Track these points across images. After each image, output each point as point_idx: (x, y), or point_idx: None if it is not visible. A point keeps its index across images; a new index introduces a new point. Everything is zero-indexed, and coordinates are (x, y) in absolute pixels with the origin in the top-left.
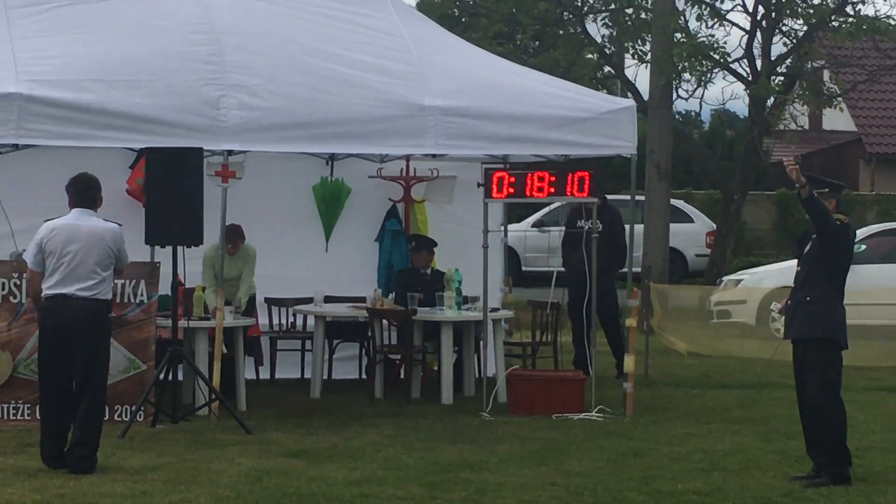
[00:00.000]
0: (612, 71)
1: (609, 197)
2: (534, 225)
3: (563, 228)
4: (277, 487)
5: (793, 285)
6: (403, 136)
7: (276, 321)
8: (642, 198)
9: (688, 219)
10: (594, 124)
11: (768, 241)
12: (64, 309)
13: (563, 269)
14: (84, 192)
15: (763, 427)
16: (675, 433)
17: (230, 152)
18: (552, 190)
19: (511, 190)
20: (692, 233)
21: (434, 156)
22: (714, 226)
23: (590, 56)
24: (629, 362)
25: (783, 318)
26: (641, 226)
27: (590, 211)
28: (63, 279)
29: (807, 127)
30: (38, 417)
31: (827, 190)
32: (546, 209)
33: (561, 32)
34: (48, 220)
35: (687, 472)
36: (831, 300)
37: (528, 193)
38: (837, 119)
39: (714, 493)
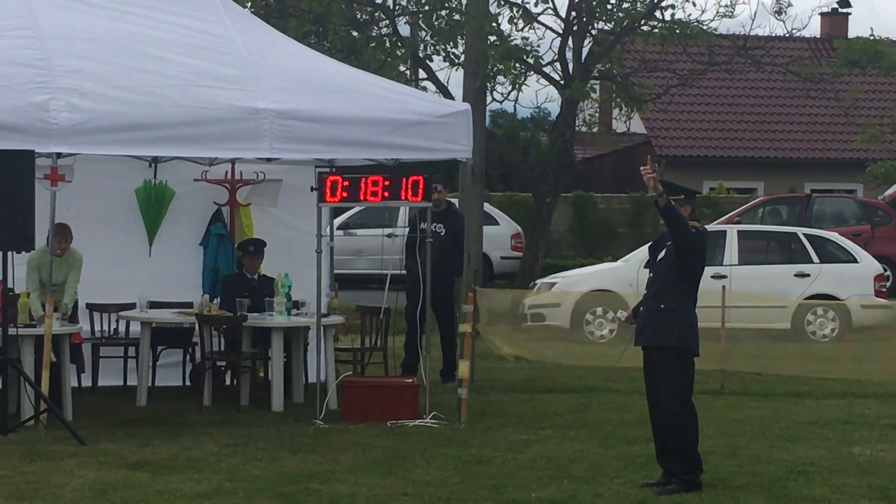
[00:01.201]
0: (425, 74)
1: None
2: (339, 227)
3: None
4: (125, 501)
5: (645, 291)
6: (237, 139)
7: (97, 327)
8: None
9: (493, 221)
10: (430, 128)
11: (565, 243)
12: None
13: (403, 272)
14: None
15: (599, 432)
16: (513, 440)
17: (59, 155)
18: (386, 194)
19: (345, 194)
20: (497, 235)
21: (268, 160)
22: (519, 228)
23: (401, 64)
24: (464, 367)
25: (631, 325)
26: None
27: (436, 215)
28: None
29: (623, 129)
30: None
31: (682, 197)
32: (350, 212)
33: (373, 34)
34: None
35: (536, 480)
36: (685, 307)
37: (361, 197)
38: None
39: (569, 501)
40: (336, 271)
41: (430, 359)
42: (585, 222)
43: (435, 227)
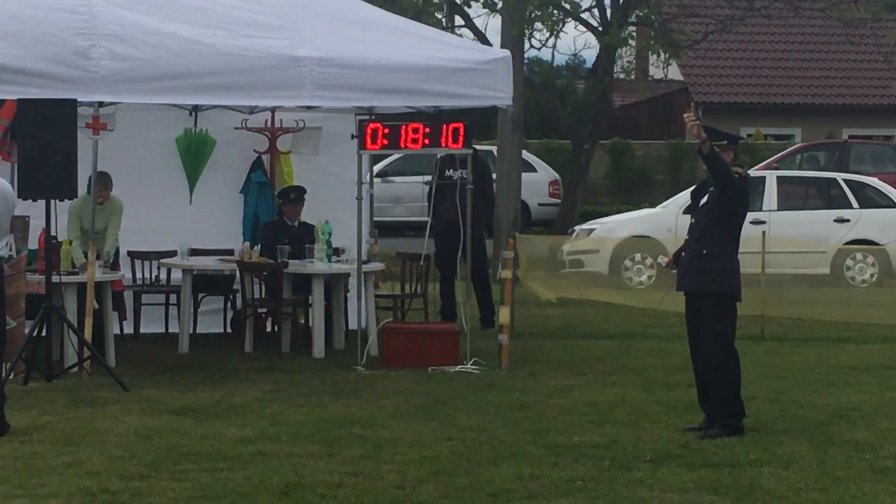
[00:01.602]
0: (462, 21)
1: None
2: (377, 175)
3: (427, 179)
4: (170, 446)
5: (687, 237)
6: (278, 87)
7: (139, 275)
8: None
9: (531, 168)
10: (471, 75)
11: (603, 190)
12: None
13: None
14: None
15: (640, 377)
16: (554, 385)
17: (101, 104)
18: (427, 141)
19: (385, 141)
20: (535, 182)
21: (309, 107)
22: (556, 175)
23: (437, 11)
24: (504, 314)
25: (674, 271)
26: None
27: (461, 161)
28: None
29: (661, 76)
30: None
31: (725, 142)
32: (388, 160)
33: None
34: None
35: (579, 425)
36: (727, 253)
37: (402, 145)
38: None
39: (612, 445)
40: (376, 219)
41: (469, 305)
42: (622, 169)
43: (462, 173)
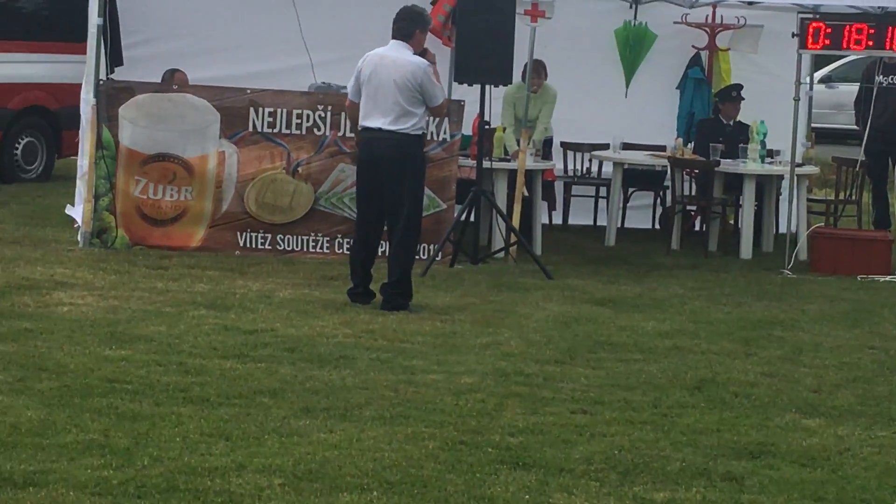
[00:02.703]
0: None
1: None
2: (820, 80)
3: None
4: (587, 334)
5: None
6: None
7: (570, 166)
8: None
9: None
10: None
11: None
12: (373, 142)
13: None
14: (396, 24)
15: None
16: None
17: None
18: (870, 43)
19: (827, 41)
20: None
21: (749, 3)
22: None
23: None
24: None
25: None
26: None
27: (892, 66)
28: (369, 112)
29: None
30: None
31: None
32: (833, 65)
33: None
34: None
35: None
36: None
37: (844, 46)
38: None
39: None
40: (814, 125)
41: None
42: None
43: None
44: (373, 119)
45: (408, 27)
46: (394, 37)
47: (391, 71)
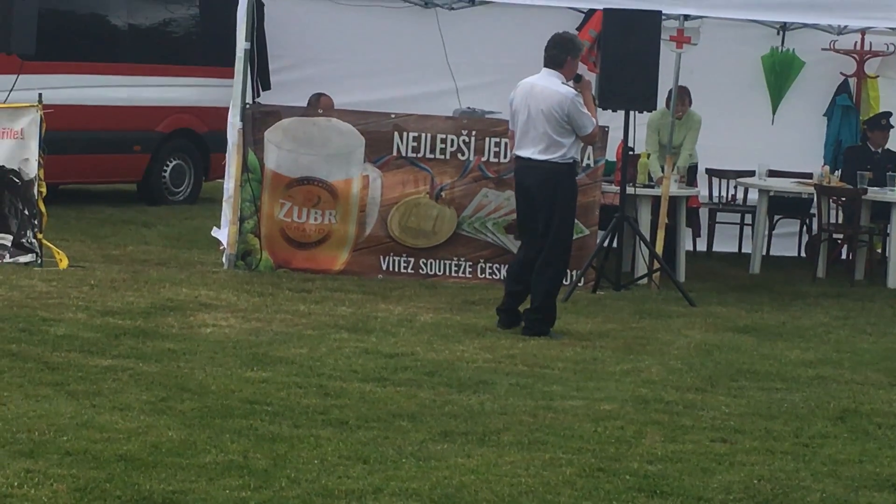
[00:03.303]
0: None
1: None
2: None
3: None
4: (729, 363)
5: None
6: (868, 7)
7: (715, 193)
8: None
9: None
10: None
11: None
12: (524, 171)
13: None
14: (547, 52)
15: None
16: None
17: (686, 17)
18: None
19: None
20: None
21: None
22: None
23: None
24: None
25: None
26: None
27: None
28: (521, 141)
29: None
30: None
31: None
32: None
33: None
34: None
35: None
36: None
37: None
38: None
39: None
40: None
41: None
42: None
43: None
44: (524, 148)
45: (559, 55)
46: (545, 65)
47: (539, 101)
